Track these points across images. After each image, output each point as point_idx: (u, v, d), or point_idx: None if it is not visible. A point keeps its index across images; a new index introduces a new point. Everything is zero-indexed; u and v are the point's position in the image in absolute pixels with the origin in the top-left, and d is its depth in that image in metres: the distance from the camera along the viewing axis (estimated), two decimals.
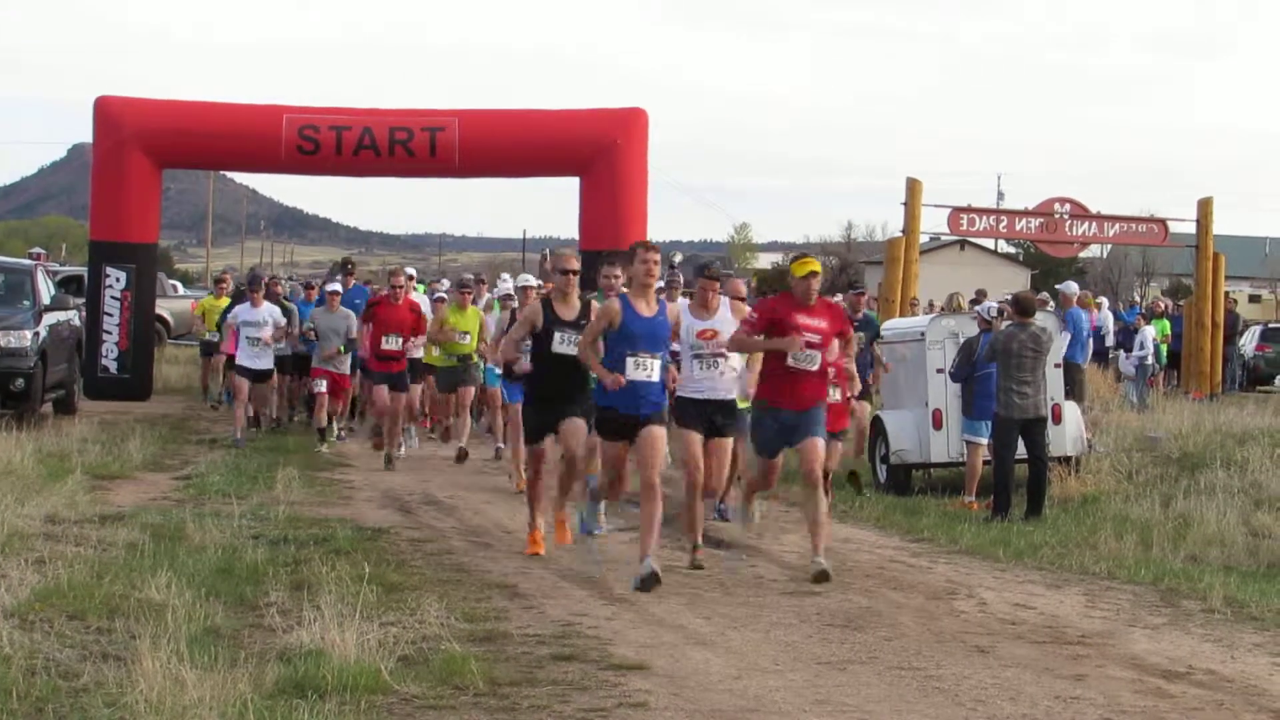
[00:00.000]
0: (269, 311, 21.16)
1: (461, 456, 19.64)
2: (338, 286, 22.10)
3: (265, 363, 21.41)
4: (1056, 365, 18.18)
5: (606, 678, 8.69)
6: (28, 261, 27.30)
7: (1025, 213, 28.04)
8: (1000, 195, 56.45)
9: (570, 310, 12.48)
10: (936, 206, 27.35)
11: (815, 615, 10.73)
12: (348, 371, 21.42)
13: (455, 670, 8.47)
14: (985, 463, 17.11)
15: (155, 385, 27.81)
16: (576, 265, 12.61)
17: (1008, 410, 16.27)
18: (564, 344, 12.34)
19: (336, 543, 12.88)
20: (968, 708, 8.29)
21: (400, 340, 19.13)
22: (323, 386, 20.94)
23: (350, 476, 18.32)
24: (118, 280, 26.74)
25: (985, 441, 17.00)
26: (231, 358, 22.68)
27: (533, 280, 17.02)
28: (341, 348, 20.62)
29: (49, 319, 22.98)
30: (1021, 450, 16.44)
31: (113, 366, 26.71)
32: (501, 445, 19.85)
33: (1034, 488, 16.45)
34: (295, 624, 9.36)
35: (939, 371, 17.92)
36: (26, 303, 22.78)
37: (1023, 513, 16.19)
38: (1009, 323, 16.92)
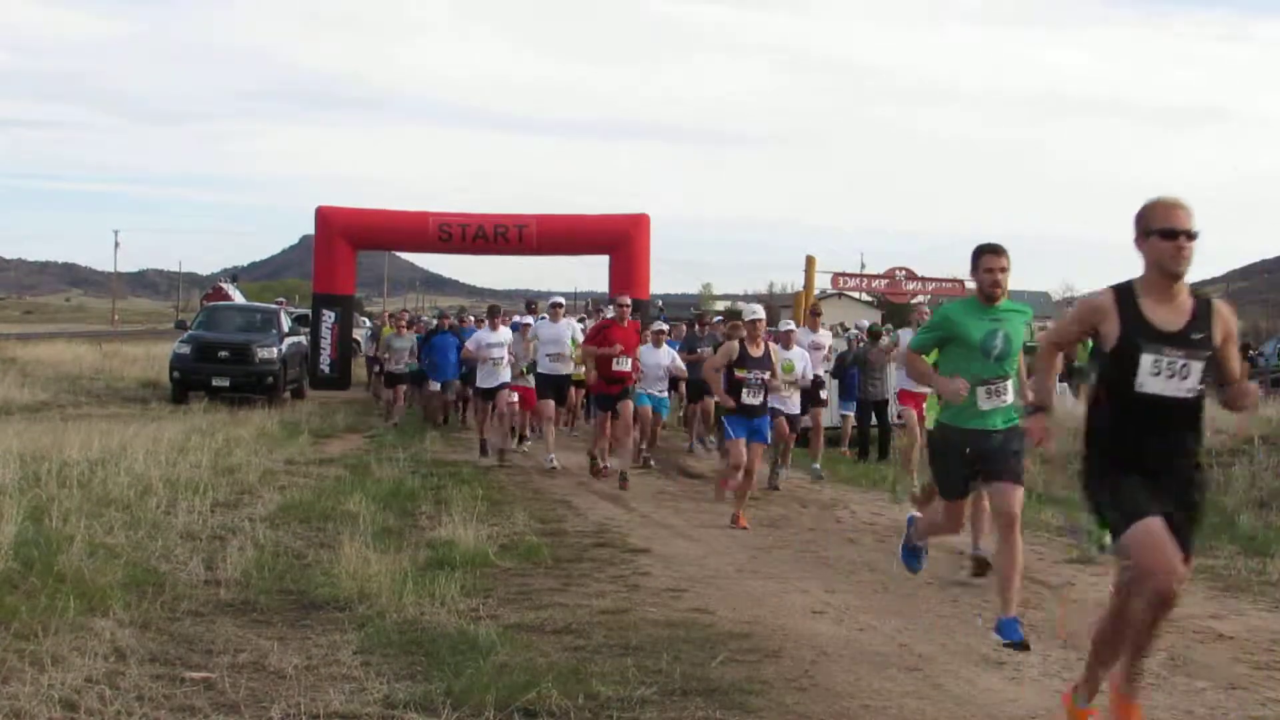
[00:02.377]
0: (506, 336, 15.24)
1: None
2: (529, 320, 16.87)
3: (499, 379, 14.95)
4: (898, 367, 18.12)
5: (625, 557, 8.64)
6: (275, 306, 27.46)
7: (878, 275, 27.81)
8: (863, 264, 56.13)
9: (1177, 315, 4.47)
10: (823, 272, 27.24)
11: (751, 519, 10.68)
12: (533, 386, 15.24)
13: (533, 553, 8.41)
14: (853, 427, 17.04)
15: (352, 381, 27.86)
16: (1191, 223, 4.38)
17: (865, 395, 16.25)
18: (1162, 373, 4.41)
19: (462, 476, 12.66)
20: (844, 574, 8.28)
21: (629, 361, 12.97)
22: (515, 398, 15.64)
23: (469, 438, 18.26)
24: (330, 317, 26.73)
25: (852, 414, 16.94)
26: (414, 377, 18.97)
27: (760, 311, 10.87)
28: (525, 369, 15.01)
29: (288, 340, 23.17)
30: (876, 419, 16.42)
31: (326, 369, 26.66)
32: (646, 452, 14.62)
33: (881, 442, 16.45)
34: (437, 525, 9.26)
35: (825, 371, 17.76)
36: (274, 331, 22.92)
37: (875, 457, 16.18)
38: (865, 342, 17.09)
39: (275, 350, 21.90)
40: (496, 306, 15.91)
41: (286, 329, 23.51)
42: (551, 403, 14.24)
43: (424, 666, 5.63)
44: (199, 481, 10.31)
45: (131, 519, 8.57)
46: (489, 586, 7.39)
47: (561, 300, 14.89)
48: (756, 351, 10.34)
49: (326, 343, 26.64)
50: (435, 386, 18.58)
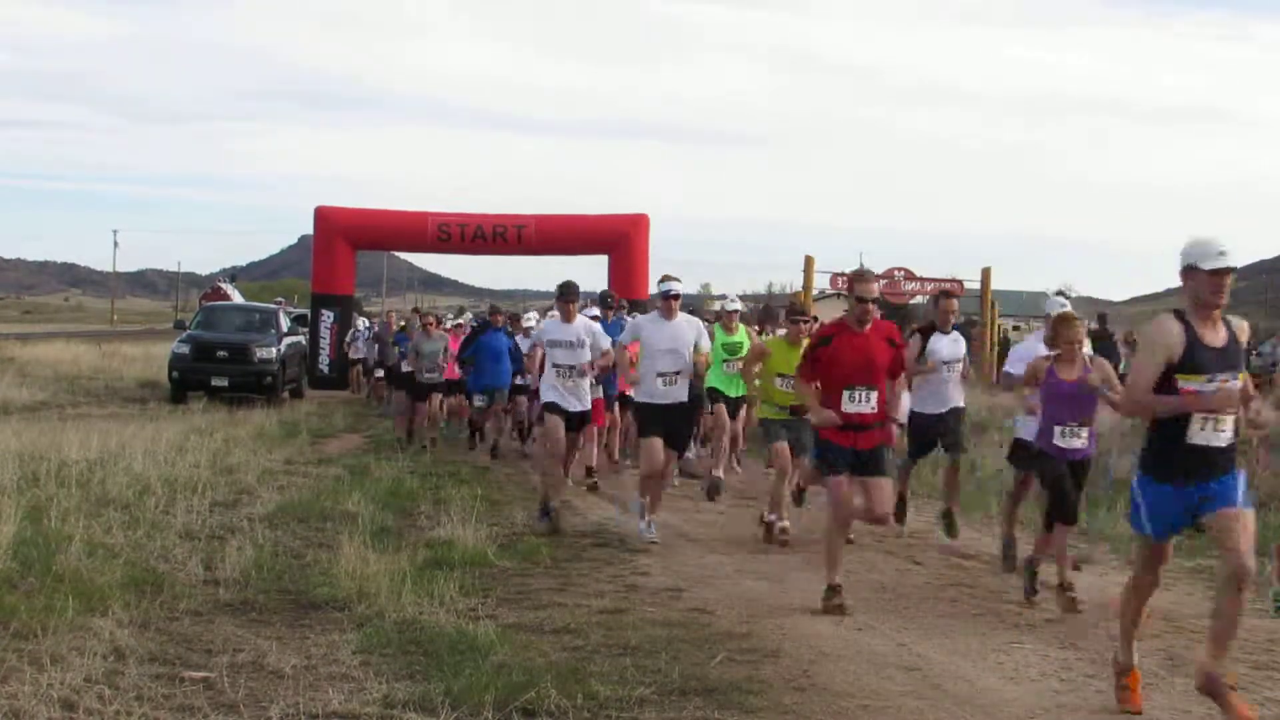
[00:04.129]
0: (584, 329, 9.88)
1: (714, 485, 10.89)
2: (595, 312, 12.79)
3: (583, 401, 10.05)
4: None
5: (624, 557, 8.63)
6: (274, 306, 27.44)
7: (876, 275, 27.98)
8: (862, 265, 56.44)
9: None
10: (823, 272, 27.26)
11: (751, 522, 10.69)
12: (600, 395, 11.63)
13: (532, 552, 8.41)
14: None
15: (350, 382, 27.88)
16: None
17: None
18: None
19: (461, 476, 12.62)
20: (844, 574, 8.26)
21: (873, 396, 7.20)
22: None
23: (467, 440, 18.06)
24: (329, 317, 26.77)
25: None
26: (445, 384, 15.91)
27: (1230, 254, 4.97)
28: (595, 379, 10.79)
29: (287, 340, 23.17)
30: None
31: (325, 369, 26.72)
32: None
33: None
34: (436, 525, 9.24)
35: None
36: (273, 331, 22.92)
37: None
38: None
39: (274, 350, 21.88)
40: (570, 284, 10.06)
41: (285, 329, 23.52)
42: (659, 445, 9.22)
43: (423, 666, 5.61)
44: (198, 481, 10.29)
45: (130, 519, 8.62)
46: (488, 586, 7.37)
47: (678, 289, 9.48)
48: (1217, 339, 5.13)
49: (325, 343, 26.67)
50: (480, 400, 15.11)
